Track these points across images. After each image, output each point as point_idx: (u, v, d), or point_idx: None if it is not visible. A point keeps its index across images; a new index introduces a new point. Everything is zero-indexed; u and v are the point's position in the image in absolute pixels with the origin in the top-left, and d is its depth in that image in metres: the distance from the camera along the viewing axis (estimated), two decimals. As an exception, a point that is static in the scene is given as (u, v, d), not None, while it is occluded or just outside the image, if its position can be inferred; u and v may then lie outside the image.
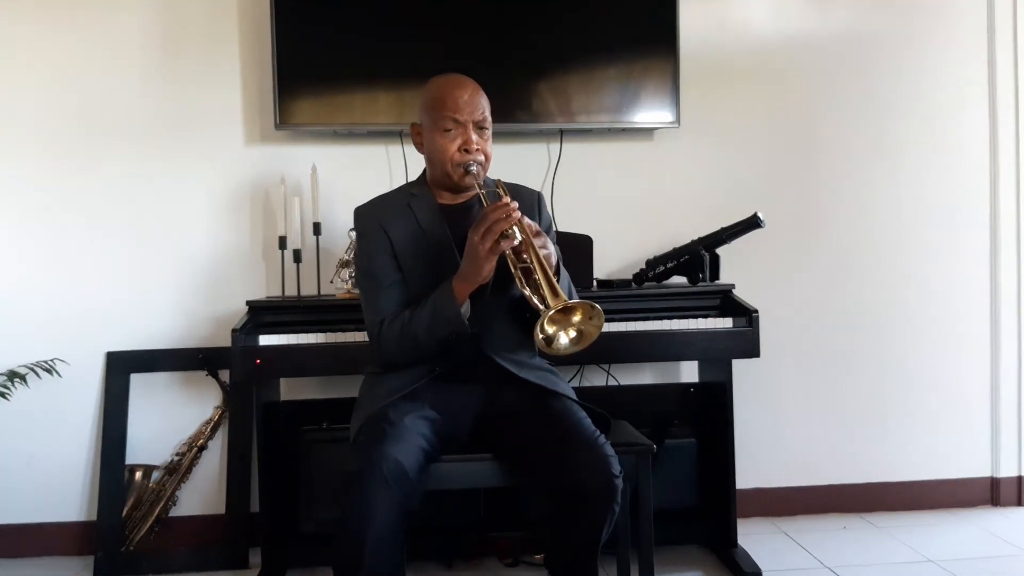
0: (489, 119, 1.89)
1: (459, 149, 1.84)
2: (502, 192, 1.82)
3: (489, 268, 1.72)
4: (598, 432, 1.74)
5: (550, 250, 1.74)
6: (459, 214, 1.91)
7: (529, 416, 1.80)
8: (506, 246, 1.68)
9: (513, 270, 1.70)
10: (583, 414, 1.80)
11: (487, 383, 1.87)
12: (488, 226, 1.68)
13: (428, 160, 1.93)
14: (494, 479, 1.82)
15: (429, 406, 1.82)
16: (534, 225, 1.74)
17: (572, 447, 1.69)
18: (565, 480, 1.66)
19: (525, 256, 1.69)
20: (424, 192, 1.94)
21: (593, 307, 1.64)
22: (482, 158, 1.86)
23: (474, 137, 1.85)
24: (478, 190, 1.83)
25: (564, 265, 1.87)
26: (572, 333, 1.66)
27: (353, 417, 1.87)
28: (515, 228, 1.68)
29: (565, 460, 1.67)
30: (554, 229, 2.04)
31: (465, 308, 1.76)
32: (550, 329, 1.64)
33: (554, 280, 1.65)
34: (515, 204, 1.70)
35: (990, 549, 2.54)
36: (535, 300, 1.66)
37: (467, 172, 1.84)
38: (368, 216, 1.93)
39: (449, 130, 1.85)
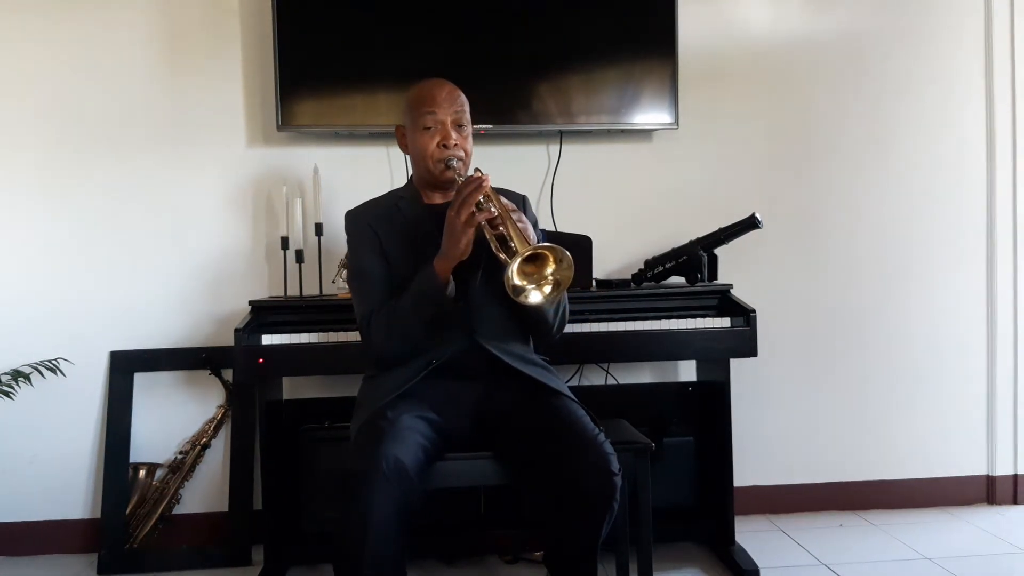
0: (468, 118, 1.94)
1: (438, 145, 1.89)
2: (477, 171, 1.84)
3: (466, 241, 1.75)
4: (598, 430, 1.75)
5: (527, 223, 1.77)
6: (446, 213, 1.92)
7: (528, 413, 1.82)
8: (481, 218, 1.71)
9: (488, 238, 1.73)
10: (582, 412, 1.81)
11: (485, 379, 1.89)
12: (463, 199, 1.72)
13: (412, 160, 1.99)
14: (495, 477, 1.84)
15: (428, 406, 1.83)
16: (511, 204, 1.77)
17: (571, 445, 1.70)
18: (565, 478, 1.67)
19: (500, 227, 1.72)
20: (412, 194, 1.99)
21: (556, 248, 1.65)
22: (462, 153, 1.90)
23: (453, 134, 1.89)
24: (459, 182, 1.86)
25: None
26: (547, 288, 1.67)
27: (353, 419, 1.89)
28: (491, 204, 1.71)
29: (565, 458, 1.69)
30: (539, 228, 2.06)
31: (450, 288, 1.79)
32: (519, 281, 1.65)
33: (524, 234, 1.67)
34: (487, 175, 1.74)
35: (986, 547, 2.56)
36: (505, 257, 1.68)
37: (447, 167, 1.89)
38: (358, 217, 1.99)
39: (429, 128, 1.90)
